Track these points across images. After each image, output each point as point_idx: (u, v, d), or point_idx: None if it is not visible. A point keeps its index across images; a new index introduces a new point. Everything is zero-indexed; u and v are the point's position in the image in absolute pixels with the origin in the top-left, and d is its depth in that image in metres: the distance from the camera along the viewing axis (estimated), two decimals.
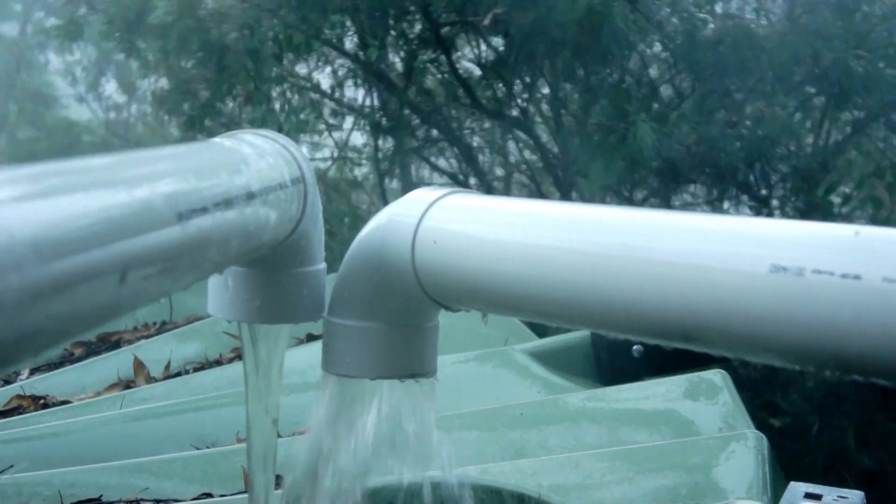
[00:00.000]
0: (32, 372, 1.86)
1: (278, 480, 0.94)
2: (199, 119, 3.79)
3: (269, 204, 0.74)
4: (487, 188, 3.96)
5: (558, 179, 3.68)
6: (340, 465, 0.83)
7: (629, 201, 3.65)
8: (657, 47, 3.43)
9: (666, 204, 3.56)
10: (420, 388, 0.83)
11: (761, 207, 3.46)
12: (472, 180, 4.05)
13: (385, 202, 4.04)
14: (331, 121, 4.46)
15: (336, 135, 4.62)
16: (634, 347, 1.81)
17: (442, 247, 0.75)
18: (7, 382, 1.80)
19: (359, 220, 4.13)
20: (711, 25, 3.24)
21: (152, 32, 3.71)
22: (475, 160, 4.03)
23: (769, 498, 1.14)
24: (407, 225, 0.78)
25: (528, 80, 3.59)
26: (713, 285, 0.59)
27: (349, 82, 4.18)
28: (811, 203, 3.33)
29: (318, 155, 4.68)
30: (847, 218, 3.52)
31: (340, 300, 0.82)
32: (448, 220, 0.77)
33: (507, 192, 4.10)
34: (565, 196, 3.61)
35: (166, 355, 1.86)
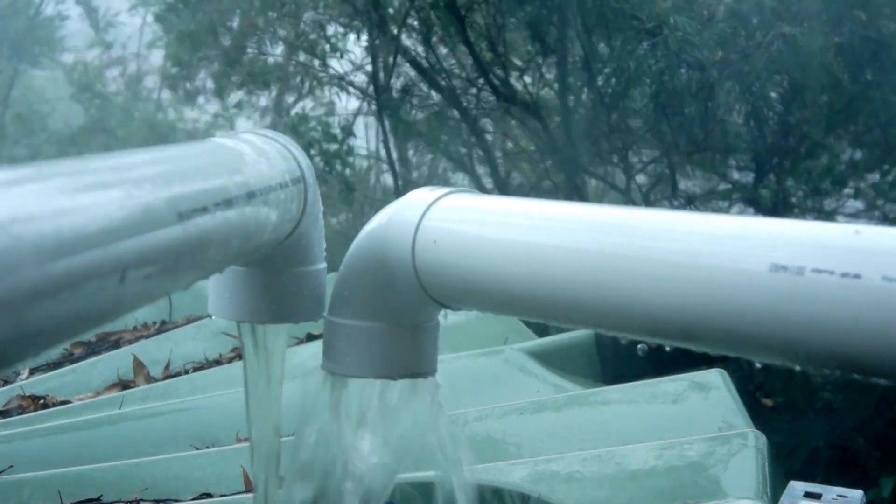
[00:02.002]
0: (32, 372, 1.86)
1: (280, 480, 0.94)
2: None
3: (270, 203, 0.74)
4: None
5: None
6: (340, 464, 0.84)
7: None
8: None
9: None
10: (422, 387, 0.83)
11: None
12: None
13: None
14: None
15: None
16: (639, 346, 1.80)
17: (442, 246, 0.75)
18: (7, 382, 1.80)
19: None
20: None
21: None
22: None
23: (769, 497, 1.14)
24: (407, 225, 0.78)
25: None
26: (713, 284, 0.59)
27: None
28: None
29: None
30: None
31: (341, 300, 0.82)
32: (448, 220, 0.77)
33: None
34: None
35: (166, 355, 1.86)
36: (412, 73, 3.94)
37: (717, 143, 3.39)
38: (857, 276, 0.53)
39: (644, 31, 2.96)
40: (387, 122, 3.99)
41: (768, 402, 3.03)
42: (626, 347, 1.86)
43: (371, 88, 4.11)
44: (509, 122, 4.04)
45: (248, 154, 0.76)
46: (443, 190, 0.80)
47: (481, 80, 3.75)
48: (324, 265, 0.89)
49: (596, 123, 3.46)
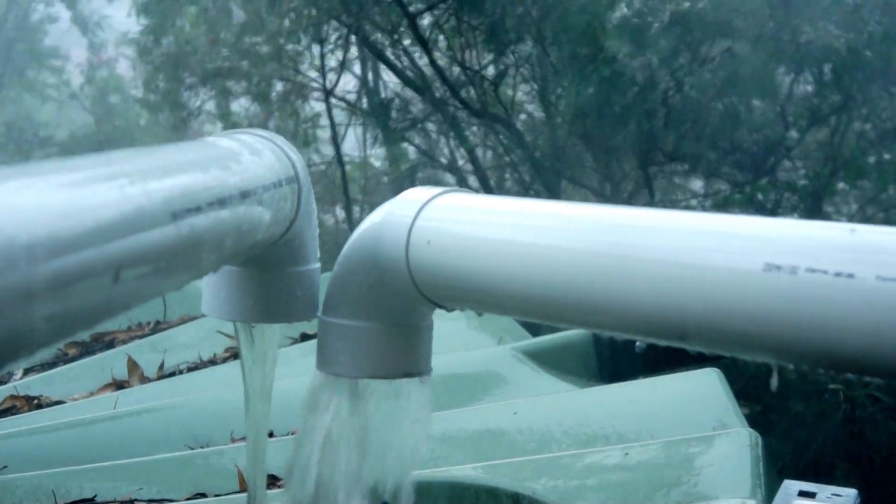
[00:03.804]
0: (26, 372, 1.86)
1: (272, 480, 0.94)
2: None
3: (263, 203, 0.74)
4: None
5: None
6: (335, 464, 0.83)
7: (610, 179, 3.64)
8: None
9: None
10: (415, 387, 0.83)
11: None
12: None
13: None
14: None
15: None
16: (637, 344, 1.80)
17: (436, 246, 0.75)
18: (1, 383, 1.79)
19: None
20: None
21: None
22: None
23: (763, 496, 1.14)
24: (401, 225, 0.78)
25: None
26: (707, 284, 0.59)
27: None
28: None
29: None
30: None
31: (334, 299, 0.82)
32: (442, 220, 0.77)
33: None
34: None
35: (160, 355, 1.86)
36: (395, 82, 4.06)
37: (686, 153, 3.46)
38: (850, 276, 0.53)
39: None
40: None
41: (744, 410, 3.06)
42: (623, 346, 1.86)
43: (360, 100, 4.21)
44: (488, 134, 4.13)
45: (242, 153, 0.76)
46: (437, 189, 0.80)
47: (449, 95, 3.85)
48: (318, 265, 0.89)
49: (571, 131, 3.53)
